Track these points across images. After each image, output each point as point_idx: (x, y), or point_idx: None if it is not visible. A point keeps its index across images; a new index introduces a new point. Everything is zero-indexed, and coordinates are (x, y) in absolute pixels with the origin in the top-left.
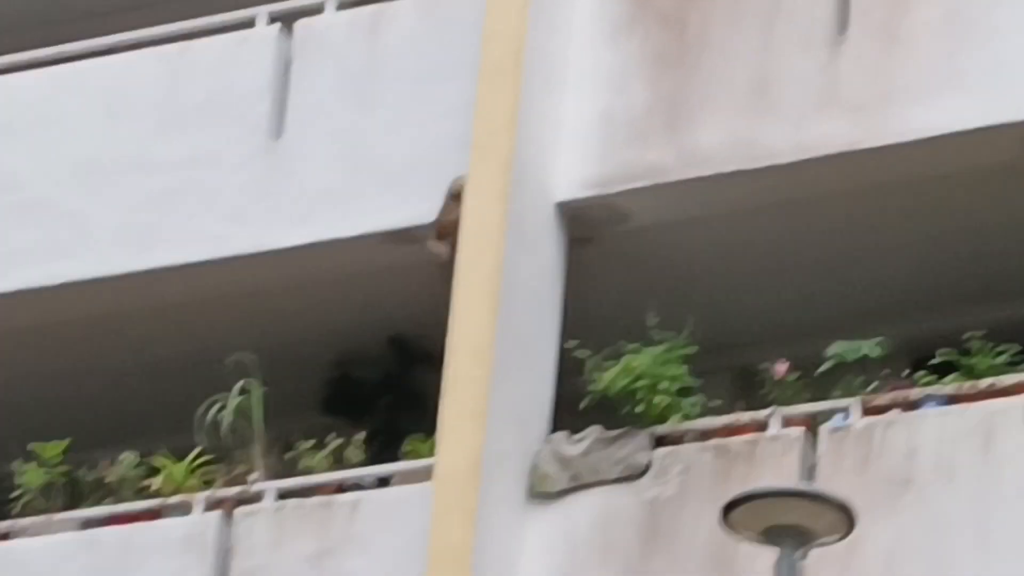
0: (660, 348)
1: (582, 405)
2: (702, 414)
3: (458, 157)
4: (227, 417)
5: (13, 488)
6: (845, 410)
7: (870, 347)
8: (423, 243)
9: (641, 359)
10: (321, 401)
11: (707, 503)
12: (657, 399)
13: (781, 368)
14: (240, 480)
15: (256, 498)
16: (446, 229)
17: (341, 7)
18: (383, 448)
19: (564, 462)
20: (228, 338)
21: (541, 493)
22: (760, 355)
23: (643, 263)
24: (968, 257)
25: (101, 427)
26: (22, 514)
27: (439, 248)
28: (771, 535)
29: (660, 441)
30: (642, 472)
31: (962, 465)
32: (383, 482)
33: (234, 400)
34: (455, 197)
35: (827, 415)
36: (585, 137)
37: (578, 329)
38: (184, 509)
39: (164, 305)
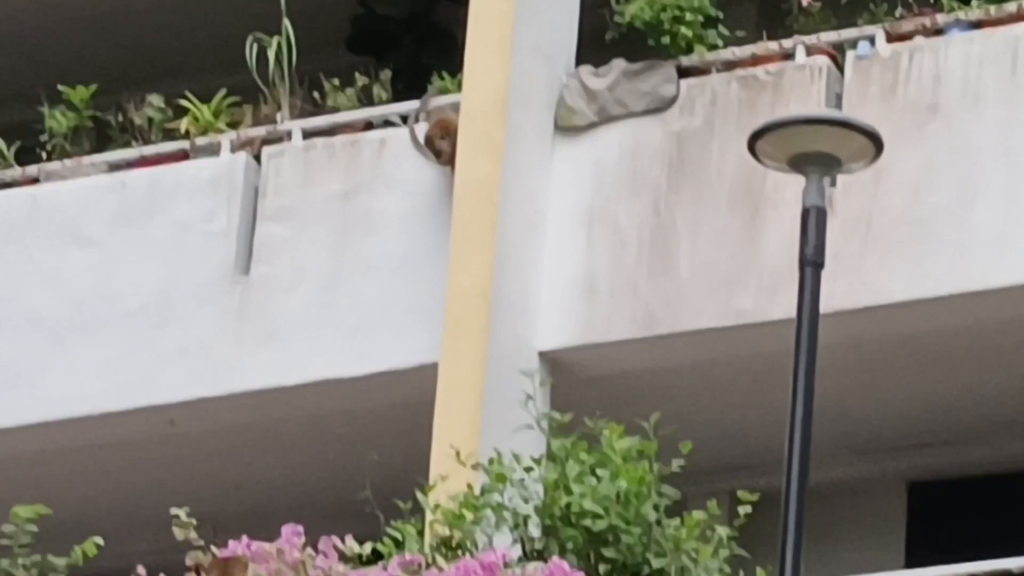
0: None
1: (607, 38)
2: (727, 45)
3: None
4: (258, 56)
5: (41, 132)
6: (870, 37)
7: None
8: None
9: None
10: (346, 39)
11: (734, 133)
12: (682, 30)
13: None
14: (267, 120)
15: (283, 138)
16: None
17: None
18: (409, 85)
19: (590, 95)
20: None
21: (568, 127)
22: None
23: None
24: None
25: (127, 70)
26: (50, 158)
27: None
28: (799, 163)
29: (686, 72)
30: (668, 103)
31: (988, 90)
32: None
33: (275, 39)
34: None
35: (852, 43)
36: None
37: None
38: (212, 150)
39: None
